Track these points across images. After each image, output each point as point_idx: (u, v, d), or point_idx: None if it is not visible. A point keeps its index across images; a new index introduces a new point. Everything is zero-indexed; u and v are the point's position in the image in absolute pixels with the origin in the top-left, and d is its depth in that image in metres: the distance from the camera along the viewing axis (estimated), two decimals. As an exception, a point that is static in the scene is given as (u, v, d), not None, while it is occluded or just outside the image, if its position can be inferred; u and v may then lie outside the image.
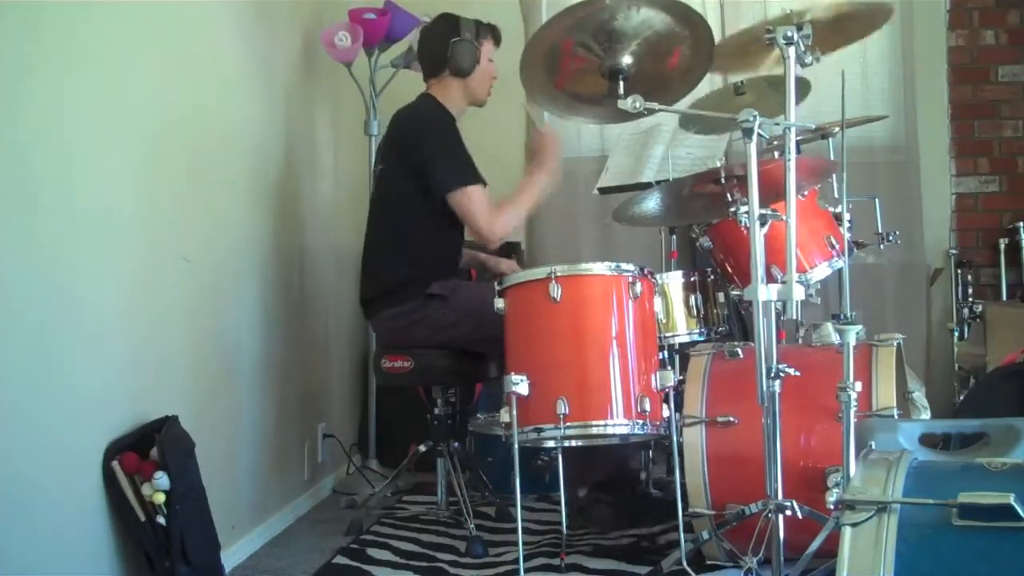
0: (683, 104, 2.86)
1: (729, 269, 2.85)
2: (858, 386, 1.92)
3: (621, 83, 2.47)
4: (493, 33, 3.18)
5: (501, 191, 4.03)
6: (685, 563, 2.37)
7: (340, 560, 2.77)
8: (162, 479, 2.10)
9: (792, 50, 2.09)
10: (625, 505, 2.82)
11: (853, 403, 1.90)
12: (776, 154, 2.68)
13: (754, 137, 2.09)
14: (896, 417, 2.33)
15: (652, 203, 2.66)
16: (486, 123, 3.78)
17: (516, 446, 2.42)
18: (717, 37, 2.84)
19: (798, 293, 2.07)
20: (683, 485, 2.47)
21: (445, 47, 3.11)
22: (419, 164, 3.00)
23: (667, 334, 2.69)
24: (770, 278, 2.32)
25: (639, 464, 2.97)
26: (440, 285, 2.99)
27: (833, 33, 2.60)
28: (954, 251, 4.07)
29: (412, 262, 3.02)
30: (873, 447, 1.49)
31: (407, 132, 3.09)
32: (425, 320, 2.98)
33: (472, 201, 2.98)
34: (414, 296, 2.99)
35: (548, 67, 2.60)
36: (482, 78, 3.15)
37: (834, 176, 2.92)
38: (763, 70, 2.92)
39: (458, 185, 2.98)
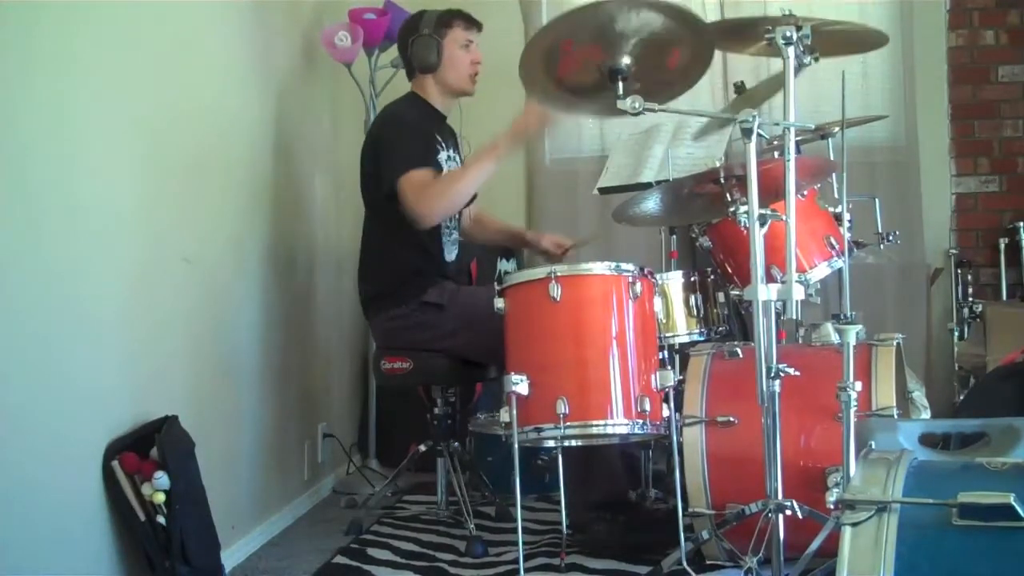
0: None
1: (729, 269, 2.85)
2: (858, 386, 1.92)
3: (620, 83, 2.46)
4: (462, 19, 3.12)
5: (500, 190, 4.05)
6: (685, 563, 2.37)
7: (340, 560, 2.77)
8: (162, 479, 2.10)
9: (791, 50, 2.09)
10: (625, 521, 2.81)
11: (853, 403, 1.90)
12: (776, 154, 2.67)
13: (754, 137, 2.09)
14: (896, 417, 2.33)
15: (652, 203, 2.66)
16: (485, 123, 3.79)
17: (516, 446, 2.42)
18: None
19: (798, 293, 2.07)
20: (683, 485, 2.47)
21: (407, 47, 3.12)
22: (377, 164, 3.00)
23: (667, 334, 2.68)
24: (770, 278, 2.32)
25: (639, 478, 2.96)
26: (436, 292, 2.98)
27: (826, 46, 2.59)
28: (954, 251, 4.07)
29: (398, 263, 3.01)
30: (873, 447, 1.49)
31: (370, 134, 3.13)
32: (422, 326, 2.98)
33: (405, 188, 2.90)
34: (409, 299, 2.99)
35: (547, 66, 2.60)
36: (453, 69, 3.10)
37: (834, 176, 2.91)
38: (753, 52, 2.91)
39: (397, 176, 2.91)
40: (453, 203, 2.99)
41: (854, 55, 3.92)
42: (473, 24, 3.15)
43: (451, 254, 3.16)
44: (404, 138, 3.00)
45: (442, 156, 3.09)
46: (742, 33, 2.54)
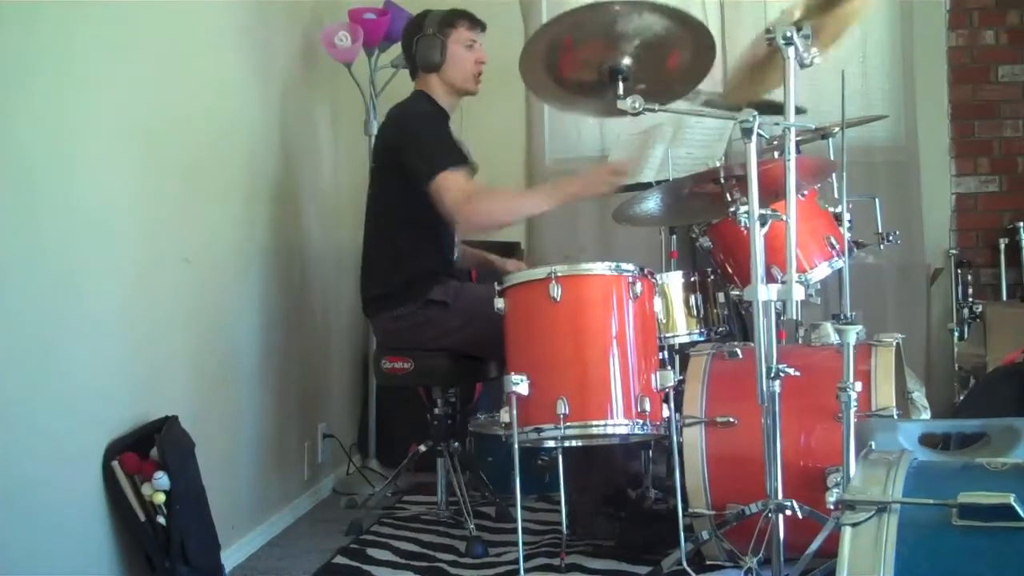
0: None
1: (729, 269, 2.85)
2: (858, 386, 1.92)
3: (621, 83, 2.46)
4: (466, 18, 3.12)
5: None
6: (685, 563, 2.37)
7: (340, 560, 2.77)
8: (162, 479, 2.10)
9: (791, 50, 2.09)
10: (626, 518, 2.81)
11: (853, 403, 1.90)
12: (776, 154, 2.67)
13: (754, 137, 2.09)
14: (896, 417, 2.33)
15: (652, 203, 2.66)
16: (485, 122, 3.79)
17: (516, 446, 2.42)
18: (717, 38, 2.83)
19: (798, 293, 2.07)
20: (683, 485, 2.47)
21: (412, 46, 3.13)
22: (400, 161, 3.00)
23: (667, 334, 2.68)
24: (770, 278, 2.32)
25: (640, 475, 2.96)
26: (441, 290, 2.98)
27: (827, 25, 2.57)
28: (954, 251, 4.07)
29: (406, 262, 3.00)
30: (873, 447, 1.49)
31: (389, 130, 3.11)
32: (427, 324, 2.97)
33: (442, 186, 2.90)
34: (413, 299, 2.98)
35: (548, 62, 2.60)
36: (457, 68, 3.10)
37: (834, 176, 2.92)
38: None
39: (432, 174, 2.91)
40: (495, 222, 3.03)
41: (855, 56, 3.95)
42: (477, 24, 3.15)
43: (455, 253, 3.17)
44: (433, 137, 3.01)
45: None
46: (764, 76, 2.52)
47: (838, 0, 2.20)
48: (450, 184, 2.90)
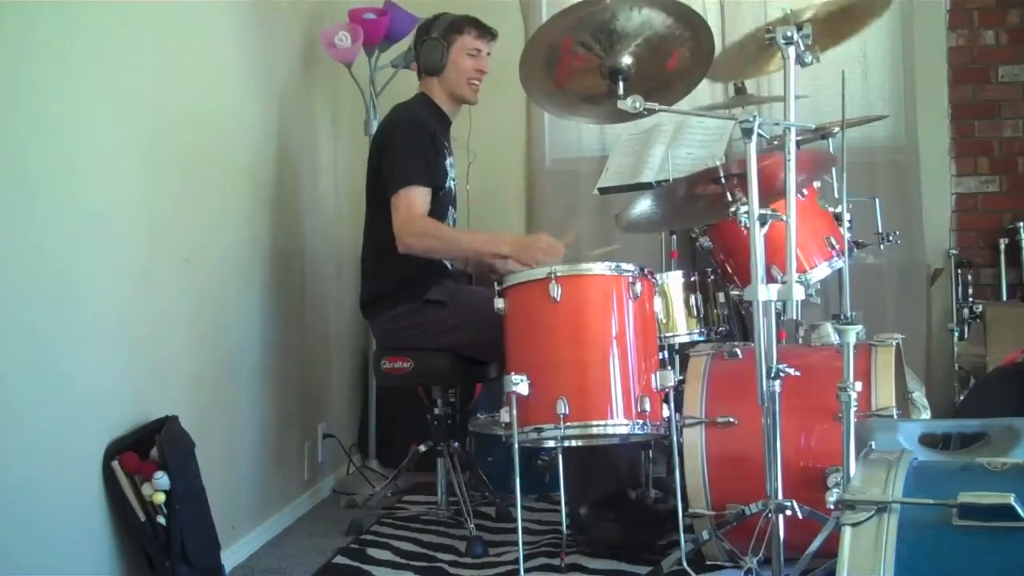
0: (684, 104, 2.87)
1: (729, 269, 2.85)
2: (858, 386, 1.92)
3: (621, 83, 2.46)
4: (474, 26, 3.12)
5: (501, 190, 4.05)
6: (685, 563, 2.37)
7: (340, 560, 2.77)
8: (162, 479, 2.11)
9: (792, 50, 2.09)
10: (627, 520, 2.81)
11: (853, 403, 1.90)
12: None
13: (754, 137, 2.09)
14: (896, 417, 2.33)
15: (654, 207, 2.66)
16: (485, 123, 3.79)
17: (516, 446, 2.42)
18: (717, 37, 2.84)
19: (798, 293, 2.07)
20: (683, 485, 2.47)
21: (418, 47, 3.14)
22: (383, 165, 3.02)
23: (667, 334, 2.69)
24: (770, 278, 2.32)
25: (640, 476, 2.96)
26: (438, 290, 2.98)
27: (832, 27, 2.59)
28: (954, 251, 4.07)
29: (402, 262, 2.99)
30: (873, 447, 1.49)
31: (380, 131, 3.13)
32: (424, 324, 2.98)
33: (400, 201, 2.93)
34: (411, 299, 2.98)
35: (547, 65, 2.60)
36: (456, 75, 3.11)
37: (834, 176, 2.92)
38: (768, 71, 2.91)
39: (396, 187, 2.94)
40: (431, 253, 3.01)
41: (855, 56, 3.95)
42: (486, 33, 3.14)
43: (449, 263, 3.15)
44: (413, 146, 2.99)
45: (448, 162, 3.10)
46: (756, 58, 2.53)
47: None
48: (404, 202, 2.93)
